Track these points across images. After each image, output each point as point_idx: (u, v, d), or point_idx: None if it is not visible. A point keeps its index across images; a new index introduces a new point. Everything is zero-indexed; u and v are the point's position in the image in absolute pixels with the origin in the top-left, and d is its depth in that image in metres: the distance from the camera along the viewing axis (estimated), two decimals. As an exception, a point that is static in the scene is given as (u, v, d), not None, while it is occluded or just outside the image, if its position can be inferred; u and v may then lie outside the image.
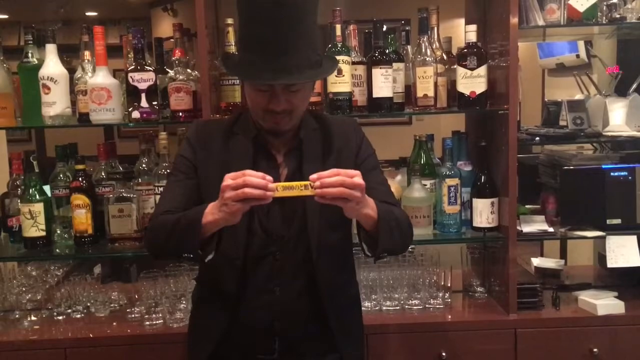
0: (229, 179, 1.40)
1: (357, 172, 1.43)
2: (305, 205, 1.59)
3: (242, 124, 1.68)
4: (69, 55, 2.71)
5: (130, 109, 2.19)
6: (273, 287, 1.62)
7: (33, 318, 2.31)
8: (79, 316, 2.32)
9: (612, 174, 2.24)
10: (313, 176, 1.40)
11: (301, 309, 1.64)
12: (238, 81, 2.21)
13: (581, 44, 3.34)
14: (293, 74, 1.47)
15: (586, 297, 2.27)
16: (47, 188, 2.32)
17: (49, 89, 2.15)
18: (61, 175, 2.33)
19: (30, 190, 2.21)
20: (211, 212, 1.46)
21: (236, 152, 1.63)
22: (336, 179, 1.39)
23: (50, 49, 2.17)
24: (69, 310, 2.32)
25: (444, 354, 2.17)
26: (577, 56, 3.42)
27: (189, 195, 1.63)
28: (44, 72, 2.15)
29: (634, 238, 2.22)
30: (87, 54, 2.25)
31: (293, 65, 1.47)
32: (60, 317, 2.31)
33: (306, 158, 1.63)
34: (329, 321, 1.65)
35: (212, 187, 1.52)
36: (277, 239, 1.61)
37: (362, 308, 2.22)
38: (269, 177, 1.40)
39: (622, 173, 2.24)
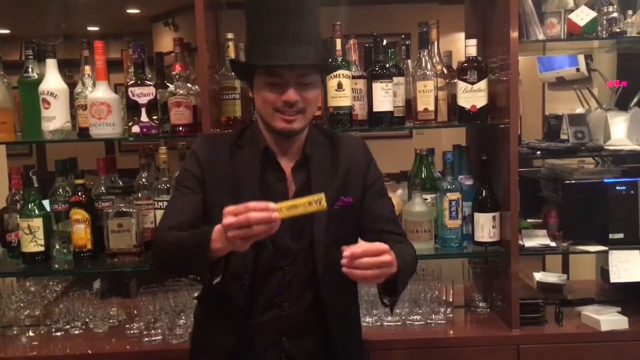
0: (230, 216, 1.32)
1: (386, 247, 1.40)
2: (313, 222, 1.58)
3: (248, 138, 1.68)
4: (71, 70, 2.72)
5: (130, 124, 2.19)
6: (281, 302, 1.61)
7: (31, 334, 2.29)
8: (77, 332, 2.29)
9: (614, 188, 2.23)
10: (345, 253, 1.36)
11: (308, 325, 1.63)
12: (238, 95, 2.20)
13: (581, 58, 3.34)
14: (302, 58, 1.52)
15: (589, 312, 2.25)
16: (46, 203, 2.31)
17: (49, 103, 2.15)
18: (60, 190, 2.32)
19: (29, 205, 2.20)
20: (218, 240, 1.41)
21: (244, 166, 1.62)
22: (367, 261, 1.36)
23: (51, 64, 2.17)
24: (68, 326, 2.30)
25: (446, 370, 2.15)
26: (577, 70, 3.42)
27: (194, 210, 1.62)
28: (44, 87, 2.15)
29: (637, 253, 2.20)
30: (87, 68, 2.26)
31: (302, 54, 1.52)
32: (59, 333, 2.29)
33: (314, 173, 1.62)
34: (333, 339, 1.65)
35: (219, 202, 1.49)
36: (286, 253, 1.60)
37: (363, 324, 2.23)
38: (272, 206, 1.32)
39: (624, 187, 2.23)
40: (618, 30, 2.23)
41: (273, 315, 1.61)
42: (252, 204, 1.32)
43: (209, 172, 1.63)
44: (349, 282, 1.66)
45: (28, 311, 2.34)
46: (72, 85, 2.26)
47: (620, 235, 2.23)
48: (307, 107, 1.57)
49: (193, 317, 1.84)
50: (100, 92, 2.14)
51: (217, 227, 1.41)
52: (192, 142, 1.80)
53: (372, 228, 1.68)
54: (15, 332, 2.29)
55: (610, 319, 2.20)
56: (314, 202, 1.34)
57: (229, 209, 1.33)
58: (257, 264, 1.59)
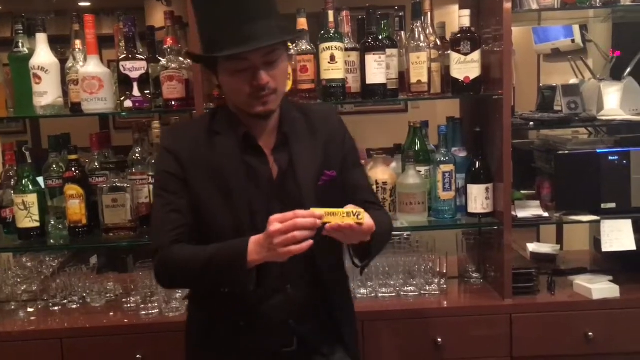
0: (276, 223, 1.36)
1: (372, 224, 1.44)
2: (304, 202, 1.55)
3: (222, 122, 1.60)
4: (63, 46, 2.69)
5: (122, 98, 2.18)
6: (284, 285, 1.61)
7: (29, 309, 2.31)
8: (75, 306, 2.32)
9: (606, 158, 2.24)
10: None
11: (312, 303, 1.64)
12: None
13: (576, 29, 3.32)
14: (264, 39, 1.44)
15: (581, 281, 2.28)
16: (41, 180, 2.31)
17: (40, 78, 2.14)
18: (54, 166, 2.31)
19: (24, 181, 2.20)
20: (256, 252, 1.42)
21: (225, 155, 1.57)
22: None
23: (41, 38, 2.15)
24: (65, 301, 2.32)
25: (439, 339, 2.17)
26: (573, 41, 3.39)
27: (187, 216, 1.56)
28: (34, 61, 2.14)
29: (628, 222, 2.22)
30: (78, 43, 2.24)
31: (263, 32, 1.45)
32: (56, 308, 2.31)
33: (295, 152, 1.60)
34: (336, 314, 1.67)
35: (207, 195, 1.51)
36: None
37: (358, 295, 2.29)
38: (317, 213, 1.37)
39: (617, 157, 2.23)
40: (612, -1, 2.21)
41: (280, 299, 1.61)
42: (299, 212, 1.37)
43: (191, 168, 1.56)
44: (338, 252, 1.70)
45: (25, 286, 2.35)
46: (64, 62, 2.25)
47: (613, 205, 2.24)
48: (278, 85, 1.53)
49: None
50: (91, 67, 2.12)
51: (253, 240, 1.43)
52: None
53: (353, 199, 1.67)
54: (13, 307, 2.31)
55: (601, 288, 2.22)
56: (353, 214, 1.39)
57: (275, 217, 1.38)
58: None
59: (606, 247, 2.21)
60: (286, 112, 1.63)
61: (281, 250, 1.37)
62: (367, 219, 1.42)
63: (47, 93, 2.15)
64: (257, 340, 1.60)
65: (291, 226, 1.35)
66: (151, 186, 2.23)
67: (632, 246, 2.20)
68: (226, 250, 1.48)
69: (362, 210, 1.42)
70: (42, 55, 2.14)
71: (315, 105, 1.69)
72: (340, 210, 1.39)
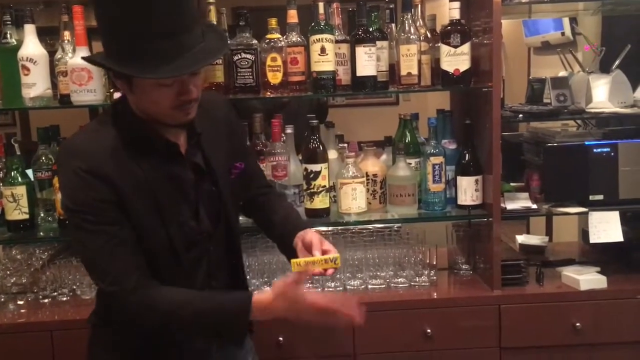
0: (333, 308, 1.43)
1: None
2: (223, 201, 1.58)
3: (133, 131, 1.43)
4: (52, 38, 2.67)
5: (111, 90, 2.16)
6: (211, 282, 1.59)
7: (19, 302, 2.30)
8: (65, 299, 2.31)
9: (594, 150, 2.26)
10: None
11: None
12: (221, 61, 2.18)
13: (566, 22, 3.33)
14: (199, 55, 1.34)
15: (569, 272, 2.30)
16: (30, 172, 2.30)
17: (28, 70, 2.12)
18: (43, 158, 2.30)
19: (12, 173, 2.19)
20: (271, 311, 1.42)
21: (148, 167, 1.43)
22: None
23: (29, 30, 2.13)
24: (55, 294, 2.32)
25: (429, 330, 2.19)
26: (563, 34, 3.41)
27: (138, 250, 1.42)
28: (23, 52, 2.12)
29: (616, 214, 2.24)
30: (66, 34, 2.22)
31: (195, 44, 1.34)
32: (46, 300, 2.30)
33: (209, 152, 1.55)
34: None
35: (139, 214, 1.40)
36: (209, 237, 1.56)
37: (349, 287, 2.30)
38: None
39: (605, 149, 2.25)
40: (601, -9, 2.23)
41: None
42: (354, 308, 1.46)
43: (121, 186, 1.38)
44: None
45: (14, 279, 2.34)
46: (53, 54, 2.23)
47: (600, 197, 2.26)
48: (199, 92, 1.42)
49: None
50: (80, 58, 2.11)
51: (266, 300, 1.42)
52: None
53: (252, 185, 1.75)
54: (2, 299, 2.30)
55: (589, 279, 2.25)
56: (330, 261, 1.47)
57: (336, 304, 1.45)
58: (189, 252, 1.51)
59: (594, 238, 2.23)
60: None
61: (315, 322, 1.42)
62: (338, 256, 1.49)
63: (35, 84, 2.13)
64: (185, 342, 1.56)
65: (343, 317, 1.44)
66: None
67: (619, 237, 2.23)
68: (227, 305, 1.45)
69: (337, 255, 1.49)
70: (31, 46, 2.13)
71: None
72: (318, 258, 1.48)
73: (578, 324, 2.20)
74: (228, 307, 1.44)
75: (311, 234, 1.58)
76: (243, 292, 1.57)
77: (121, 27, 1.32)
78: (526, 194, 2.38)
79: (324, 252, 1.50)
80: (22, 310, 2.25)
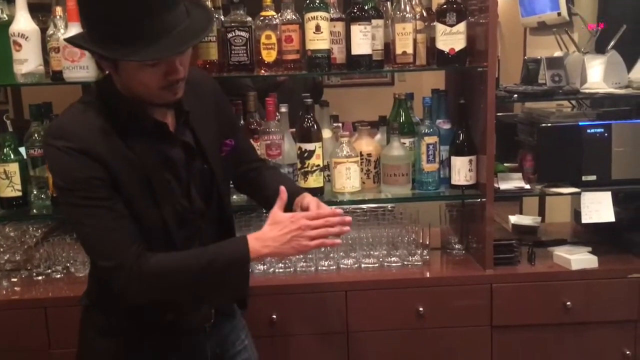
0: (304, 220, 1.46)
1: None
2: (215, 180, 1.58)
3: (121, 111, 1.43)
4: (44, 15, 2.63)
5: (103, 67, 2.14)
6: None
7: (13, 279, 2.30)
8: (58, 276, 2.31)
9: (588, 130, 2.26)
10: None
11: None
12: (214, 38, 2.16)
13: (562, 2, 3.31)
14: (185, 33, 1.32)
15: (561, 252, 2.32)
16: (23, 151, 2.29)
17: (20, 45, 2.10)
18: (36, 135, 2.28)
19: (5, 150, 2.18)
20: (265, 246, 1.45)
21: (139, 147, 1.43)
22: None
23: (20, 4, 2.10)
24: (49, 271, 2.32)
25: (421, 309, 2.21)
26: (559, 14, 3.39)
27: (133, 223, 1.42)
28: (14, 28, 2.10)
29: (608, 194, 2.25)
30: (58, 9, 2.18)
31: (180, 22, 1.32)
32: (40, 278, 2.31)
33: (199, 131, 1.55)
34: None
35: (132, 193, 1.41)
36: (202, 215, 1.57)
37: (342, 266, 2.31)
38: (348, 218, 1.52)
39: (599, 130, 2.26)
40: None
41: None
42: (328, 211, 1.52)
43: (112, 165, 1.38)
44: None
45: (8, 256, 2.34)
46: (45, 31, 2.20)
47: (593, 177, 2.27)
48: (187, 71, 1.42)
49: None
50: (72, 34, 2.08)
51: (256, 236, 1.47)
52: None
53: (243, 161, 1.76)
54: (-4, 276, 2.31)
55: (580, 258, 2.26)
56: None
57: (306, 214, 1.49)
58: (181, 231, 1.52)
59: (586, 219, 2.25)
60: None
61: (306, 244, 1.46)
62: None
63: (27, 60, 2.11)
64: (179, 322, 1.57)
65: (322, 223, 1.47)
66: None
67: (611, 218, 2.24)
68: (221, 250, 1.48)
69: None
70: (22, 21, 2.10)
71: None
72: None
73: (569, 303, 2.22)
74: (226, 245, 1.49)
75: (309, 198, 1.59)
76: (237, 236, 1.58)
77: (99, 7, 1.30)
78: (519, 175, 2.39)
79: None
80: (16, 288, 2.25)
